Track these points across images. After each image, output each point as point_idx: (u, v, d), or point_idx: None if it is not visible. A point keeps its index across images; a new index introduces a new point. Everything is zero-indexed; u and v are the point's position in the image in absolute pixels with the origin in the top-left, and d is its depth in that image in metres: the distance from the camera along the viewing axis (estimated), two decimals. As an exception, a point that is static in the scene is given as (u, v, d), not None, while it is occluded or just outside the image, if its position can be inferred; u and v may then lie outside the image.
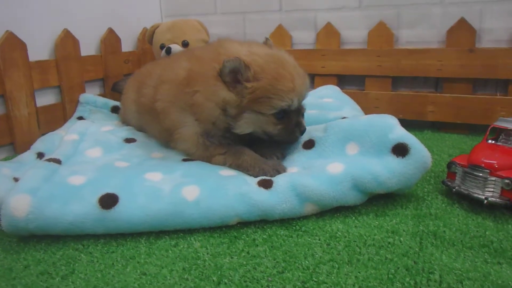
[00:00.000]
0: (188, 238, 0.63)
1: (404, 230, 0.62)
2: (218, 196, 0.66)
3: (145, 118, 0.99)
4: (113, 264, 0.57)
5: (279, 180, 0.68)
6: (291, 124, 0.78)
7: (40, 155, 0.92)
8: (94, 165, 0.77)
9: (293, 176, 0.69)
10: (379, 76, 1.30)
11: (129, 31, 1.49)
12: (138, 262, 0.57)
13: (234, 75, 0.74)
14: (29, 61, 1.08)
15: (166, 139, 0.91)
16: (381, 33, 1.28)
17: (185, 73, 0.82)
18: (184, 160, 0.84)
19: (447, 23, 1.20)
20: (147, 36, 1.37)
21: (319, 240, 0.61)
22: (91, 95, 1.26)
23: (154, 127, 0.96)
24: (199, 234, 0.64)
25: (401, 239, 0.60)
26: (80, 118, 1.19)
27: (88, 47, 1.31)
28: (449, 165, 0.75)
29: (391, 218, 0.66)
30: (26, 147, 0.98)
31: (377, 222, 0.65)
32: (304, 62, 1.36)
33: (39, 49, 1.14)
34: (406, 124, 0.82)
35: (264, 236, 0.62)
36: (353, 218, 0.67)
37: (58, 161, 0.76)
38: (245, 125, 0.77)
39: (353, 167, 0.69)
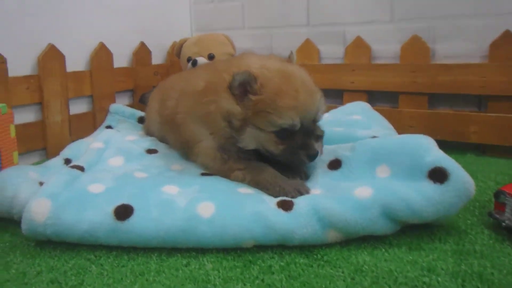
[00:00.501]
0: (200, 258, 0.59)
1: (442, 269, 0.54)
2: (233, 215, 0.62)
3: (167, 129, 1.00)
4: (122, 279, 0.55)
5: (300, 202, 0.63)
6: (295, 146, 0.73)
7: (67, 161, 0.95)
8: (114, 174, 0.78)
9: (316, 198, 0.64)
10: (413, 93, 1.21)
11: (160, 44, 1.54)
12: (146, 280, 0.54)
13: (243, 87, 0.72)
14: (66, 71, 1.15)
15: (186, 152, 0.91)
16: (415, 47, 1.20)
17: (204, 84, 0.82)
18: (203, 174, 0.83)
19: (489, 36, 1.10)
20: (176, 50, 1.42)
21: (342, 273, 0.55)
22: (120, 105, 1.30)
23: (175, 138, 0.96)
24: (212, 255, 0.60)
25: (439, 279, 0.52)
26: (109, 127, 1.23)
27: (121, 59, 1.37)
28: (497, 194, 0.66)
29: (427, 253, 0.59)
30: (57, 152, 1.02)
31: (410, 257, 0.58)
32: (332, 77, 1.32)
33: (76, 60, 1.21)
34: (445, 146, 0.75)
35: (281, 263, 0.57)
36: (383, 250, 0.60)
37: (81, 168, 0.77)
38: (247, 140, 0.75)
39: (384, 192, 0.62)
